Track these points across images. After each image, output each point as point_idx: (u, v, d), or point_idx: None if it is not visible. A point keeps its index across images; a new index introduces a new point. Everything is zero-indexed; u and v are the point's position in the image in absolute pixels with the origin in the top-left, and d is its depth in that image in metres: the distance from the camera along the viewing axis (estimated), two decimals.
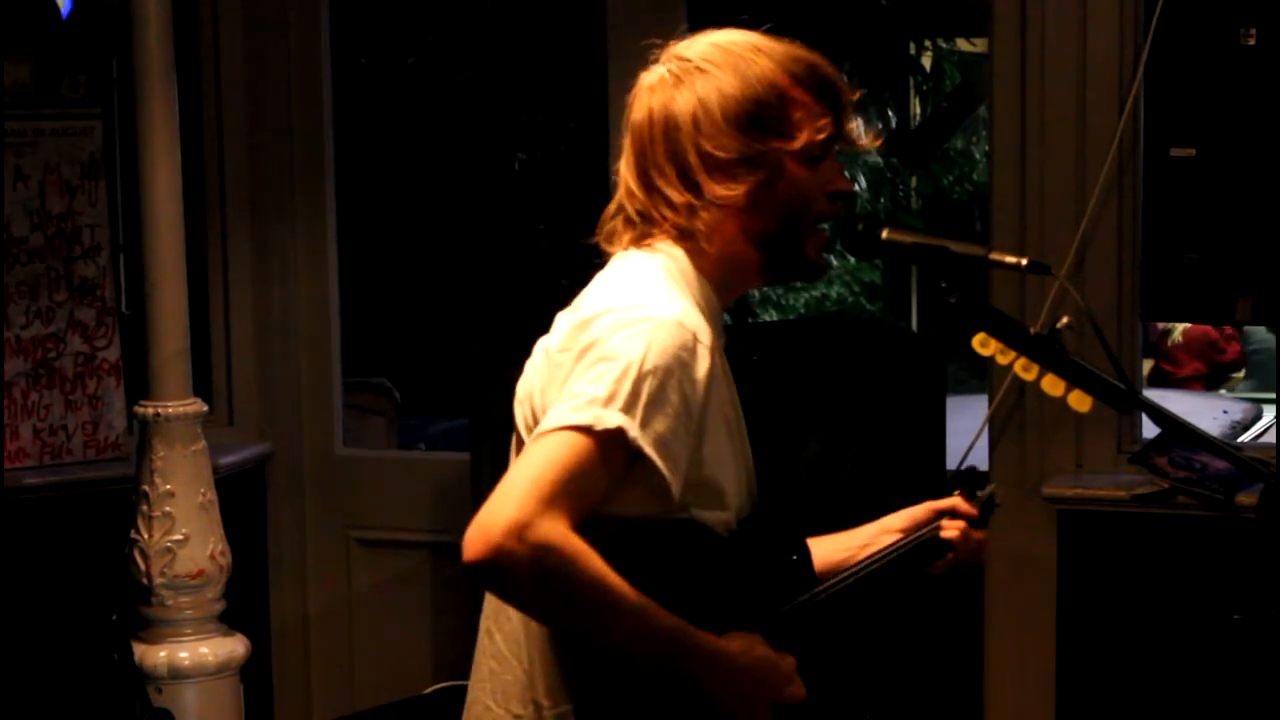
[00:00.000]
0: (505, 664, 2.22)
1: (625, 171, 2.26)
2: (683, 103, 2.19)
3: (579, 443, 2.02)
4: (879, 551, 2.37)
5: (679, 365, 2.07)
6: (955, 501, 2.43)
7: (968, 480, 2.45)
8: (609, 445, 2.02)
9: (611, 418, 2.02)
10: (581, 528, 2.01)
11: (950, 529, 2.42)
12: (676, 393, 2.07)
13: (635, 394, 2.04)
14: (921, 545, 2.38)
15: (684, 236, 2.21)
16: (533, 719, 2.18)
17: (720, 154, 2.17)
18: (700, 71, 2.20)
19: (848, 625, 2.31)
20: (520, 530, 1.96)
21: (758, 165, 2.18)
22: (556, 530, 1.97)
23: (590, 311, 2.14)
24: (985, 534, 2.45)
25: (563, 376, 2.11)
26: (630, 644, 2.06)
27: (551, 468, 2.00)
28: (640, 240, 2.23)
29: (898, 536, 2.42)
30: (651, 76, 2.25)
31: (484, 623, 2.27)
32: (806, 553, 2.28)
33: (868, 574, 2.33)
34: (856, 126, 2.26)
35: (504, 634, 2.22)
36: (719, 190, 2.18)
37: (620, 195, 2.26)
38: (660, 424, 2.05)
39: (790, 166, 2.20)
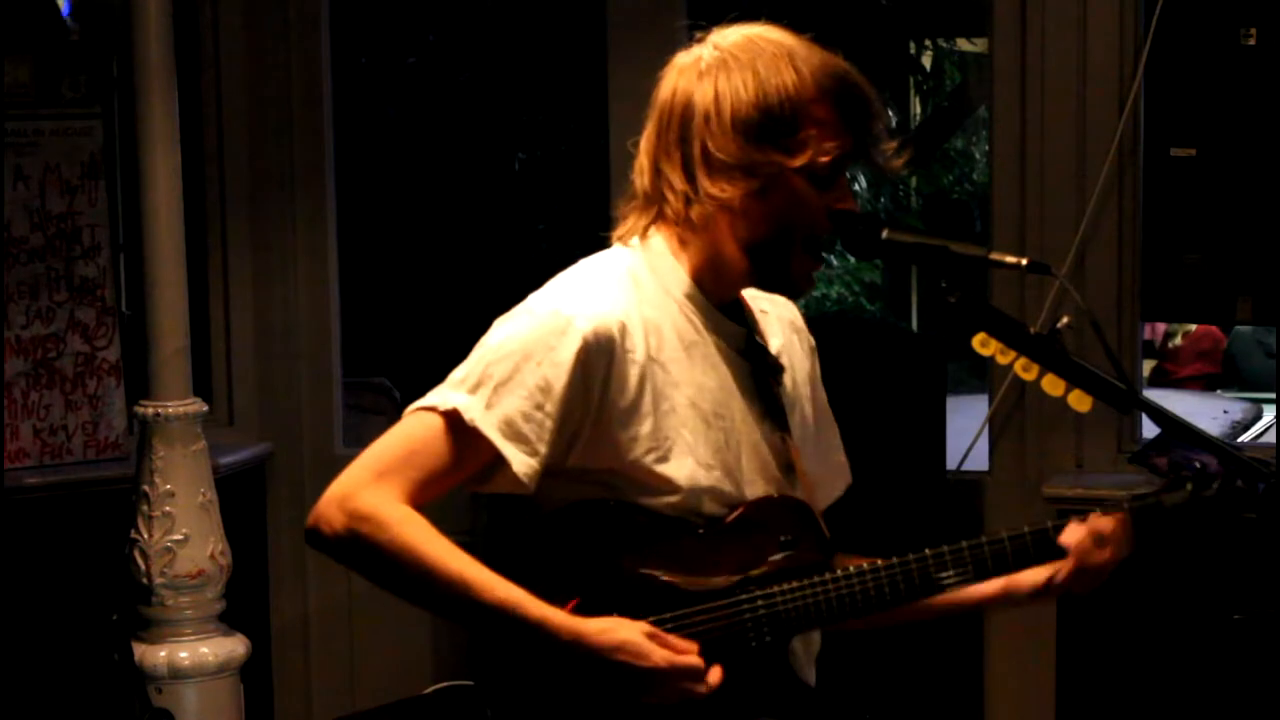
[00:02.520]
0: None
1: (643, 146, 2.27)
2: (700, 94, 2.19)
3: (421, 420, 2.14)
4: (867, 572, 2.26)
5: (540, 348, 2.13)
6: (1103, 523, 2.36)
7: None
8: (452, 425, 2.12)
9: (453, 399, 2.13)
10: (513, 510, 2.09)
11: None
12: (534, 375, 2.12)
13: (485, 376, 2.13)
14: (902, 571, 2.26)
15: (677, 222, 2.22)
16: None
17: (720, 155, 2.17)
18: (724, 66, 2.19)
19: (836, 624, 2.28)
20: (342, 499, 2.11)
21: (753, 174, 2.17)
22: (375, 499, 2.09)
23: None
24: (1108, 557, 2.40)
25: None
26: (459, 614, 2.13)
27: (391, 444, 2.14)
28: (640, 229, 2.24)
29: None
30: (685, 58, 2.25)
31: None
32: (802, 536, 2.24)
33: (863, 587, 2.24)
34: (884, 149, 2.24)
35: None
36: (712, 189, 2.18)
37: (633, 174, 2.28)
38: (509, 404, 2.11)
39: (790, 181, 2.18)
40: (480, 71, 9.01)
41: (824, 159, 2.18)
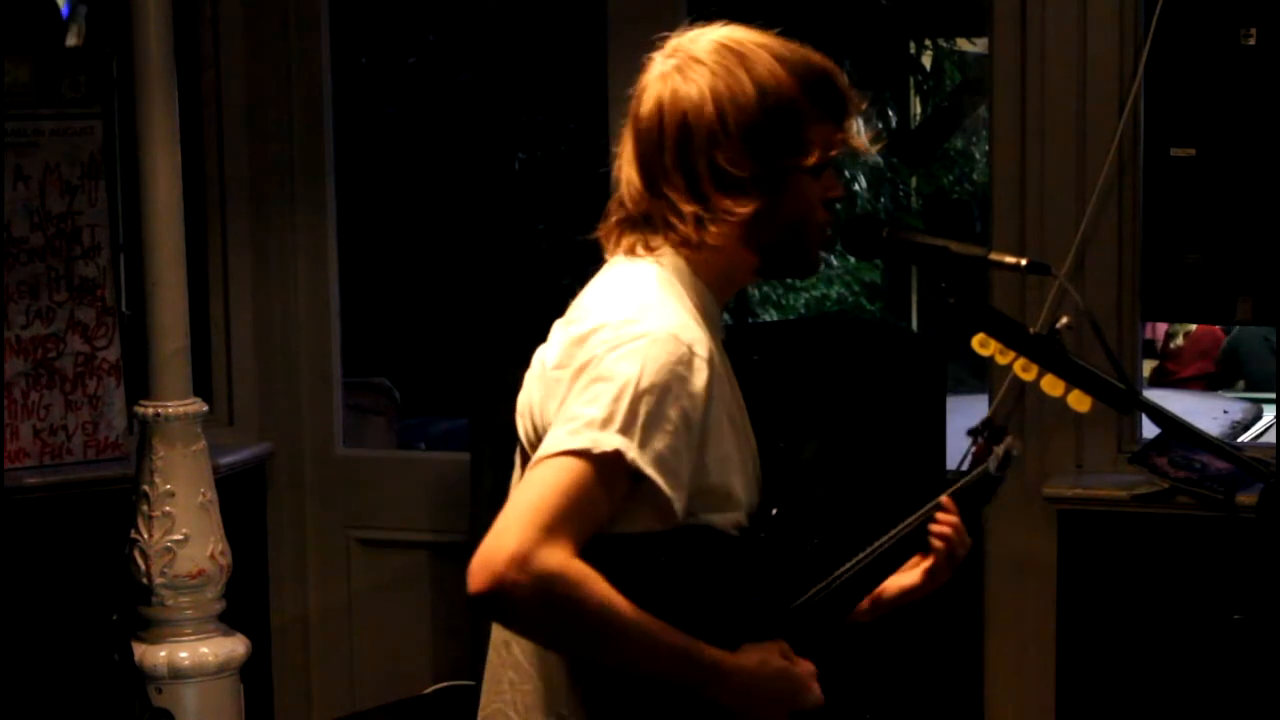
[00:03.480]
0: (524, 675, 2.20)
1: (629, 169, 2.21)
2: (695, 106, 2.14)
3: (578, 467, 2.01)
4: (881, 541, 2.33)
5: (676, 380, 2.06)
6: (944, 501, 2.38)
7: (986, 432, 2.41)
8: (608, 468, 2.02)
9: (609, 440, 2.01)
10: (586, 549, 2.01)
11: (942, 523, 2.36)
12: (675, 409, 2.05)
13: (633, 414, 2.03)
14: (916, 530, 2.35)
15: (685, 244, 2.17)
16: None
17: (734, 171, 2.13)
18: (710, 73, 2.14)
19: (849, 625, 2.30)
20: (523, 561, 1.96)
21: (771, 183, 2.15)
22: (558, 559, 1.97)
23: (584, 327, 2.12)
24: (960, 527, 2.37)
25: (560, 395, 2.09)
26: (638, 666, 2.06)
27: (551, 495, 2.00)
28: (639, 247, 2.20)
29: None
30: (660, 68, 2.19)
31: (498, 633, 2.25)
32: (825, 538, 2.27)
33: (873, 560, 2.30)
34: (857, 129, 2.24)
35: (521, 645, 2.20)
36: (730, 206, 2.14)
37: (622, 193, 2.23)
38: (660, 442, 2.04)
39: (799, 182, 2.18)
40: (480, 71, 9.01)
41: (832, 153, 2.18)
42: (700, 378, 2.08)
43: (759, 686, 2.11)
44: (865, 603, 2.34)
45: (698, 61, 2.16)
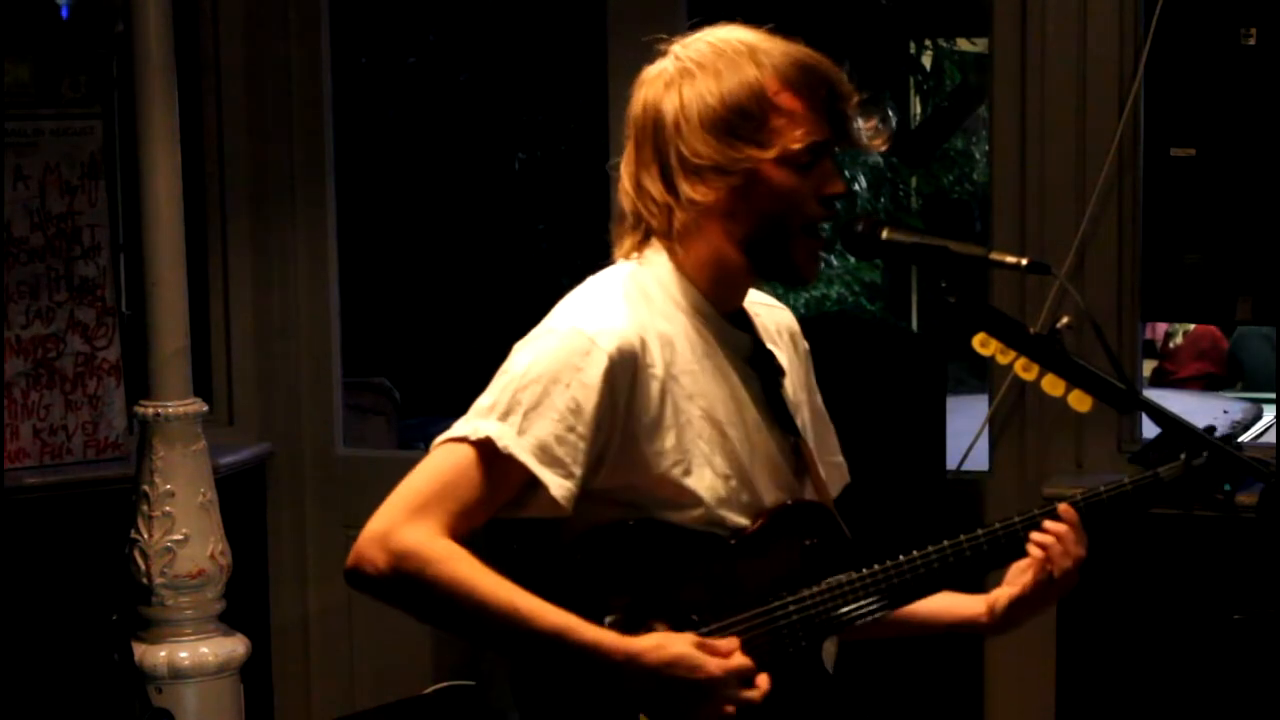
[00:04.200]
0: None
1: (624, 166, 2.26)
2: (669, 103, 2.19)
3: (454, 452, 2.10)
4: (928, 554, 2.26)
5: (566, 370, 2.11)
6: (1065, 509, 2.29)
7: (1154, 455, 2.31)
8: (484, 454, 2.09)
9: (485, 427, 2.10)
10: (485, 532, 2.06)
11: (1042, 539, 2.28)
12: (563, 398, 2.10)
13: (514, 403, 2.11)
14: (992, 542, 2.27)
15: (666, 237, 2.21)
16: None
17: (694, 159, 2.17)
18: (688, 73, 2.19)
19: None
20: (382, 538, 2.07)
21: (730, 171, 2.17)
22: (416, 537, 2.06)
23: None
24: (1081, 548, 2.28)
25: None
26: (511, 646, 2.10)
27: (424, 478, 2.10)
28: (636, 248, 2.24)
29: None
30: (650, 71, 2.25)
31: None
32: (826, 539, 2.24)
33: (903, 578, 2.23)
34: (859, 128, 2.23)
35: None
36: (692, 193, 2.17)
37: (619, 193, 2.27)
38: (542, 430, 2.09)
39: (769, 173, 2.17)
40: (480, 71, 9.01)
41: (796, 145, 2.17)
42: (596, 368, 2.11)
43: (644, 670, 2.07)
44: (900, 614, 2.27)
45: (681, 64, 2.21)
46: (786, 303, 2.42)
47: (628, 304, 2.17)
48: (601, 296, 2.19)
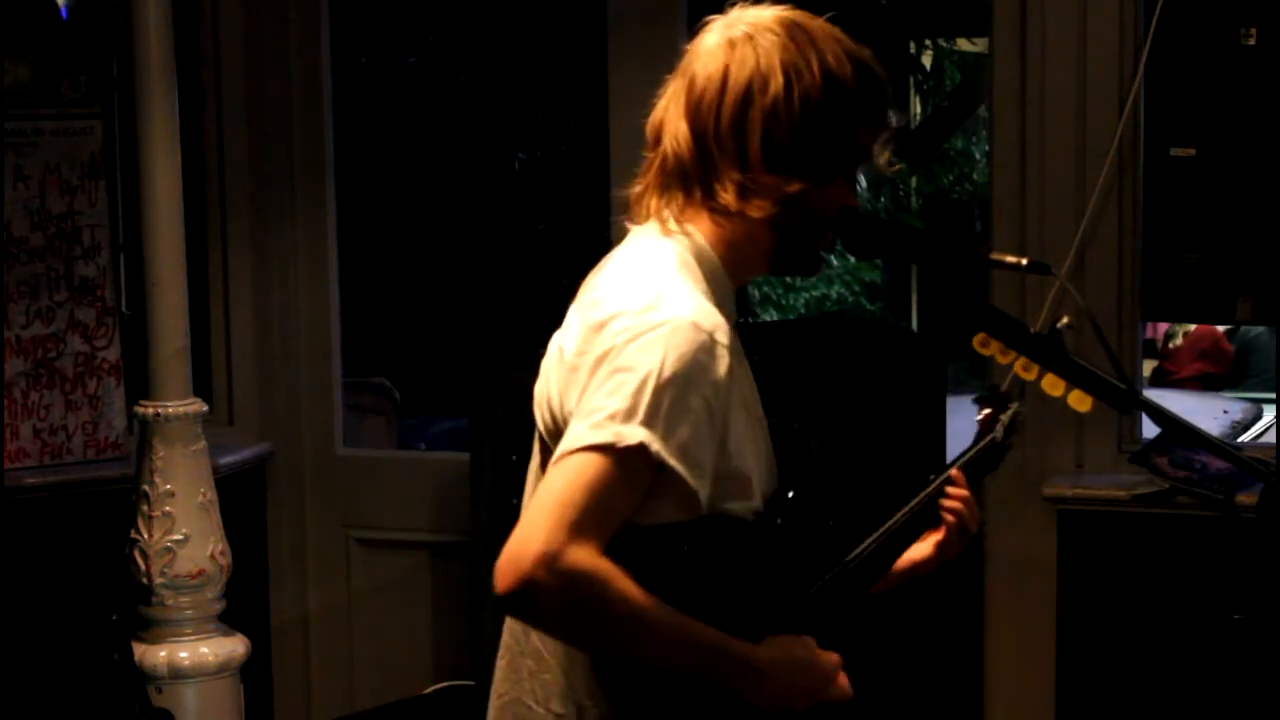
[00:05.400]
0: (543, 663, 2.18)
1: (678, 123, 2.17)
2: (762, 77, 2.13)
3: (602, 463, 1.99)
4: (892, 520, 2.32)
5: (698, 370, 2.03)
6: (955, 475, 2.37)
7: (992, 401, 2.42)
8: (632, 461, 1.99)
9: (633, 433, 1.99)
10: (610, 543, 2.00)
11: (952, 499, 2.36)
12: (697, 398, 2.03)
13: (656, 406, 2.00)
14: (928, 505, 2.35)
15: (719, 213, 2.16)
16: (574, 718, 2.15)
17: (787, 147, 2.13)
18: (784, 49, 2.14)
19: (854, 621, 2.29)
20: (550, 560, 1.94)
21: (816, 171, 2.15)
22: (586, 557, 1.96)
23: (602, 314, 2.09)
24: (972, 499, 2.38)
25: (580, 383, 2.07)
26: (666, 662, 2.05)
27: (577, 491, 1.97)
28: (670, 217, 2.18)
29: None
30: (729, 33, 2.17)
31: (515, 621, 2.23)
32: (840, 519, 2.26)
33: (885, 539, 2.29)
34: (884, 148, 2.24)
35: (540, 633, 2.18)
36: (774, 181, 2.14)
37: (665, 147, 2.18)
38: (684, 433, 2.02)
39: (838, 178, 2.19)
40: (480, 71, 9.01)
41: (867, 159, 2.19)
42: (722, 365, 2.06)
43: (785, 679, 2.09)
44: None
45: (769, 31, 2.16)
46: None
47: (697, 289, 2.13)
48: (681, 282, 2.12)
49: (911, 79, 11.87)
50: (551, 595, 1.95)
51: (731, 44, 2.16)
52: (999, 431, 2.40)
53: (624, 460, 1.99)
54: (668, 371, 2.01)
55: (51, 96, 4.33)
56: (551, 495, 1.98)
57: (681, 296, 2.09)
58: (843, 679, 2.16)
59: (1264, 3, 3.85)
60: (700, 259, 2.17)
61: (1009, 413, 2.41)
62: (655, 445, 1.99)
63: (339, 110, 4.76)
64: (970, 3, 9.83)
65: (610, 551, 1.99)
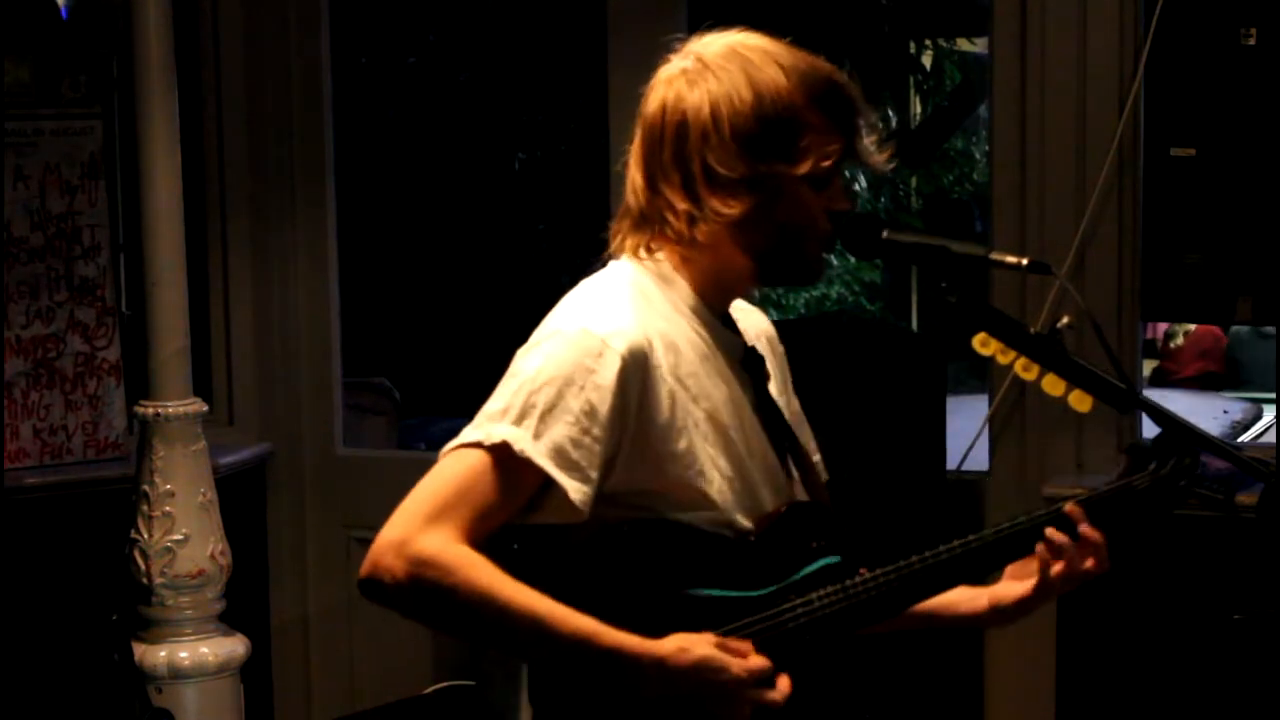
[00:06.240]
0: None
1: (634, 168, 2.22)
2: (694, 108, 2.16)
3: (469, 458, 2.07)
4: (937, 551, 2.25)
5: (579, 372, 2.08)
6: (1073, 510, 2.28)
7: (1160, 452, 2.29)
8: (501, 459, 2.06)
9: (499, 431, 2.06)
10: (497, 538, 2.04)
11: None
12: (577, 400, 2.07)
13: (528, 406, 2.07)
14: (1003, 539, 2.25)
15: (680, 242, 2.19)
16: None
17: (723, 171, 2.15)
18: (715, 78, 2.16)
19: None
20: (399, 546, 2.03)
21: (759, 187, 2.15)
22: (434, 544, 2.02)
23: (537, 335, 2.17)
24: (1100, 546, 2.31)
25: None
26: (534, 652, 2.09)
27: (439, 485, 2.06)
28: (641, 249, 2.21)
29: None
30: (670, 70, 2.21)
31: None
32: (833, 541, 2.24)
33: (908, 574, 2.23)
34: (869, 145, 2.23)
35: None
36: (718, 206, 2.15)
37: (626, 192, 2.24)
38: (558, 433, 2.07)
39: (794, 189, 2.17)
40: (480, 71, 9.01)
41: (826, 164, 2.17)
42: (609, 369, 2.09)
43: (678, 675, 2.06)
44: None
45: (704, 65, 2.18)
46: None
47: (632, 305, 2.16)
48: (605, 297, 2.17)
49: (911, 79, 11.87)
50: (397, 580, 2.02)
51: (670, 80, 2.20)
52: (1142, 480, 2.31)
53: (491, 457, 2.06)
54: (544, 374, 2.09)
55: (51, 96, 4.33)
56: (418, 489, 2.07)
57: (599, 311, 2.14)
58: (767, 689, 2.10)
59: (1264, 3, 3.85)
60: (664, 282, 2.20)
61: (1168, 466, 2.31)
62: (520, 444, 2.06)
63: (339, 110, 4.76)
64: (970, 3, 9.84)
65: (495, 545, 2.04)
